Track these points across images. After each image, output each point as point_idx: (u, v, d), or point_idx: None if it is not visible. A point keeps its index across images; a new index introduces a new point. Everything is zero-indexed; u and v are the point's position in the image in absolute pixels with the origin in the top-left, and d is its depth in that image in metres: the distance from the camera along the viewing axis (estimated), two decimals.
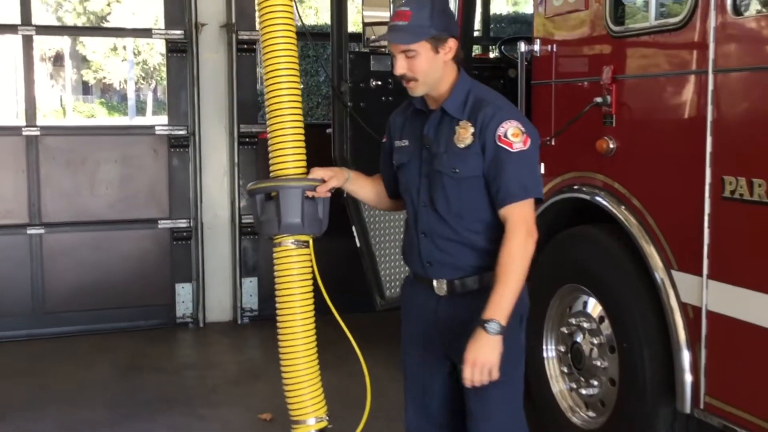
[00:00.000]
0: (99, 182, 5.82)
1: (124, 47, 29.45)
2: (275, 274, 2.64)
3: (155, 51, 30.19)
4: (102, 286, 5.79)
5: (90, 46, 29.87)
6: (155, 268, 5.95)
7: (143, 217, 5.93)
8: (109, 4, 28.30)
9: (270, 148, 2.63)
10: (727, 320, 2.83)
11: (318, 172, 2.56)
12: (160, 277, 5.96)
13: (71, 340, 5.65)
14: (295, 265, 2.59)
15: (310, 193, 2.54)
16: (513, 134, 2.32)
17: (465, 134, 2.35)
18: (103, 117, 29.38)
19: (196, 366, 5.23)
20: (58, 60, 31.02)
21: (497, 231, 2.39)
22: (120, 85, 33.09)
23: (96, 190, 5.81)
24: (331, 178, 2.54)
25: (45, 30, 6.57)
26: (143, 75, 31.54)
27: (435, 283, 2.47)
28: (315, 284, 2.64)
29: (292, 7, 2.62)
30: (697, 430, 3.14)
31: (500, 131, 2.33)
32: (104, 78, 32.43)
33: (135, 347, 5.51)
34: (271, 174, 2.63)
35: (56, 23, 24.72)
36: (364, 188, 2.69)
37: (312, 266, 2.62)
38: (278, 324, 2.64)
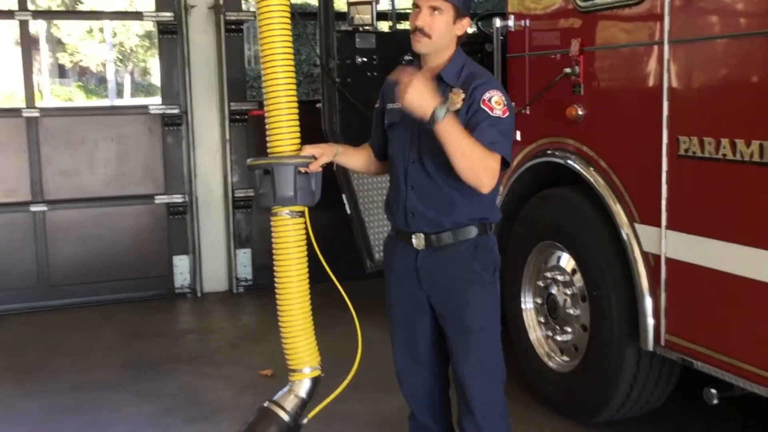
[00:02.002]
0: (97, 161, 6.07)
1: (101, 29, 29.29)
2: (273, 241, 2.88)
3: (131, 33, 30.05)
4: (103, 260, 6.07)
5: (65, 29, 29.67)
6: (153, 241, 6.23)
7: (140, 193, 6.19)
8: None
9: (267, 127, 2.84)
10: (684, 265, 3.16)
11: (310, 150, 2.79)
12: (158, 250, 6.24)
13: (76, 311, 5.93)
14: (290, 233, 2.83)
15: (302, 169, 2.77)
16: (496, 102, 2.58)
17: (457, 99, 2.60)
18: (81, 100, 29.23)
19: (196, 331, 5.53)
20: (33, 43, 30.77)
21: (473, 192, 2.61)
22: (97, 67, 32.92)
23: (95, 168, 6.07)
24: (322, 154, 2.78)
25: (41, 15, 6.76)
26: (120, 57, 31.39)
27: (414, 238, 2.71)
28: (310, 250, 2.89)
29: None
30: (660, 366, 3.49)
31: (486, 96, 2.58)
32: (80, 61, 32.25)
33: (137, 316, 5.81)
34: (268, 151, 2.87)
35: (30, 6, 24.58)
36: (353, 159, 2.94)
37: (307, 234, 2.86)
38: (276, 284, 2.88)
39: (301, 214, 2.83)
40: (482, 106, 2.57)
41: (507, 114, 2.59)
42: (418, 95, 2.42)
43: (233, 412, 4.07)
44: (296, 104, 2.84)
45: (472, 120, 2.57)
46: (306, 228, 2.85)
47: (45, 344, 5.22)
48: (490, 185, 2.54)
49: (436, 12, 2.58)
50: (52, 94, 29.20)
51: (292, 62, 2.83)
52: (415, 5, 2.62)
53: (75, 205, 6.03)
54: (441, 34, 2.61)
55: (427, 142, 2.64)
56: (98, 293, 6.04)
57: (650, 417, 3.74)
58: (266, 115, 2.83)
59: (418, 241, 2.71)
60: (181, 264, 6.30)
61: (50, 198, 5.97)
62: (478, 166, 2.49)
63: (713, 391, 3.10)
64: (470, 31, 6.01)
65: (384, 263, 2.91)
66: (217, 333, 5.46)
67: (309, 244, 2.86)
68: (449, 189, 2.64)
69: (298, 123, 2.84)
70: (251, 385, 4.43)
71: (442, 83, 2.66)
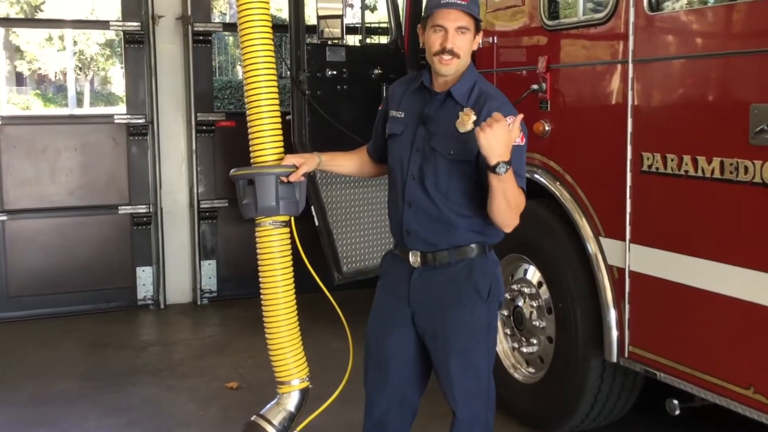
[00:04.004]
0: (60, 170, 5.99)
1: (60, 37, 28.91)
2: (258, 252, 2.87)
3: (92, 41, 29.72)
4: (65, 271, 5.98)
5: (24, 36, 29.23)
6: (116, 252, 6.16)
7: (104, 204, 6.12)
8: None
9: (250, 137, 2.84)
10: (647, 278, 3.23)
11: (291, 159, 2.77)
12: (122, 261, 6.17)
13: (36, 322, 5.83)
14: (274, 243, 2.82)
15: (284, 178, 2.76)
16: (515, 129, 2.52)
17: (467, 120, 2.53)
18: (38, 108, 28.80)
19: (160, 343, 5.47)
20: None
21: (474, 213, 2.59)
22: (56, 76, 32.45)
23: (57, 178, 5.99)
24: (303, 164, 2.75)
25: (5, 22, 6.66)
26: (80, 66, 31.01)
27: (411, 255, 2.63)
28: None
29: (268, 1, 2.82)
30: (624, 377, 3.56)
31: None
32: (39, 69, 31.77)
33: (99, 328, 5.73)
34: (251, 161, 2.87)
35: None
36: (344, 165, 2.91)
37: (294, 243, 2.84)
38: (262, 296, 2.86)
39: (286, 224, 2.82)
40: None
41: (524, 139, 2.56)
42: (496, 142, 2.34)
43: (198, 425, 4.04)
44: (279, 114, 2.84)
45: None
46: (292, 238, 2.85)
47: (4, 356, 5.12)
48: (515, 225, 2.55)
49: (463, 32, 2.53)
50: (9, 102, 28.70)
51: (275, 72, 2.83)
52: (436, 26, 2.53)
53: (36, 215, 5.95)
54: (467, 53, 2.57)
55: (428, 159, 2.58)
56: (59, 304, 5.95)
57: (614, 427, 3.80)
58: (249, 124, 2.83)
59: (414, 258, 2.65)
60: (145, 275, 6.24)
61: (10, 207, 5.87)
62: (515, 214, 2.51)
63: (675, 402, 3.18)
64: None
65: (380, 277, 2.83)
66: (181, 345, 5.41)
67: (294, 253, 2.85)
68: (448, 211, 2.57)
69: (281, 132, 2.84)
70: (216, 397, 4.40)
71: (451, 100, 2.60)
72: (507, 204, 2.47)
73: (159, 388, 4.57)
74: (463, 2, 2.51)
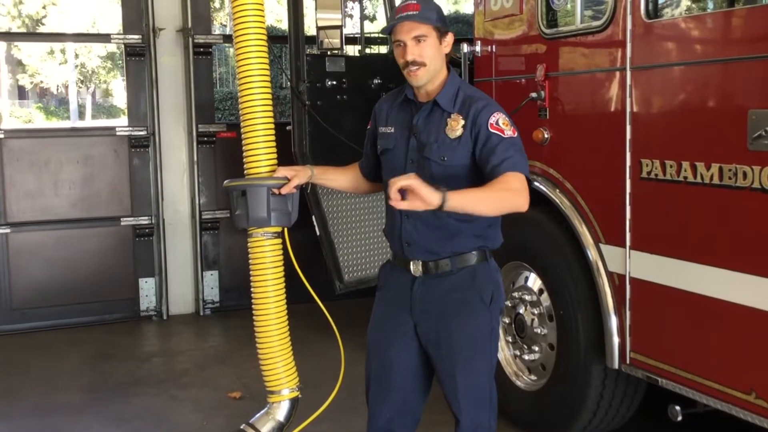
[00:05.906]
0: (62, 182, 6.02)
1: (62, 51, 29.06)
2: (250, 262, 2.90)
3: (93, 54, 29.87)
4: (68, 283, 6.00)
5: (26, 49, 29.38)
6: (119, 263, 6.18)
7: (106, 215, 6.15)
8: (44, 7, 27.95)
9: (243, 149, 2.88)
10: (648, 285, 3.24)
11: (283, 171, 2.80)
12: (124, 273, 6.19)
13: (39, 334, 5.85)
14: (267, 253, 2.86)
15: (276, 190, 2.79)
16: (503, 123, 2.57)
17: (456, 126, 2.58)
18: (40, 121, 28.90)
19: (163, 353, 5.48)
20: None
21: (473, 216, 2.57)
22: (58, 89, 32.59)
23: (60, 190, 6.02)
24: (294, 176, 2.78)
25: (5, 36, 6.70)
26: (81, 78, 31.14)
27: (412, 265, 2.65)
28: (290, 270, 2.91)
29: (263, 12, 2.85)
30: (625, 383, 3.56)
31: (492, 120, 2.56)
32: (41, 82, 31.91)
33: (102, 339, 5.74)
34: (245, 172, 2.91)
35: None
36: (337, 180, 2.93)
37: (287, 254, 2.87)
38: (253, 305, 2.90)
39: (278, 235, 2.85)
40: (492, 131, 2.54)
41: (516, 132, 2.60)
42: (421, 203, 2.32)
43: None
44: (273, 126, 2.86)
45: (487, 146, 2.54)
46: (284, 248, 2.87)
47: (8, 368, 5.13)
48: (525, 204, 2.52)
49: (421, 40, 2.57)
50: (11, 115, 28.81)
51: (269, 83, 2.86)
52: (396, 42, 2.59)
53: (39, 227, 5.97)
54: (433, 58, 2.59)
55: (423, 169, 2.60)
56: (63, 316, 5.97)
57: None
58: (243, 136, 2.86)
59: (415, 267, 2.67)
60: (147, 286, 6.25)
61: (14, 220, 5.89)
62: (505, 203, 2.49)
63: (677, 408, 3.18)
64: None
65: (378, 288, 2.84)
66: (183, 355, 5.42)
67: (288, 263, 2.87)
68: (446, 217, 2.56)
69: (274, 145, 2.87)
70: (219, 407, 4.41)
71: (438, 108, 2.63)
72: (495, 206, 2.48)
73: (162, 398, 4.58)
74: (414, 12, 2.56)
